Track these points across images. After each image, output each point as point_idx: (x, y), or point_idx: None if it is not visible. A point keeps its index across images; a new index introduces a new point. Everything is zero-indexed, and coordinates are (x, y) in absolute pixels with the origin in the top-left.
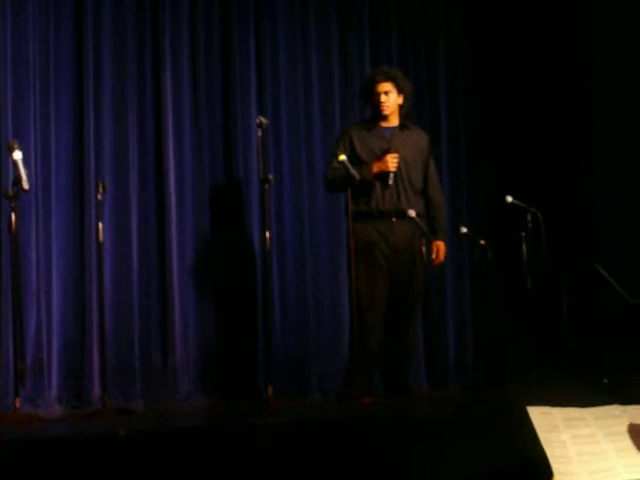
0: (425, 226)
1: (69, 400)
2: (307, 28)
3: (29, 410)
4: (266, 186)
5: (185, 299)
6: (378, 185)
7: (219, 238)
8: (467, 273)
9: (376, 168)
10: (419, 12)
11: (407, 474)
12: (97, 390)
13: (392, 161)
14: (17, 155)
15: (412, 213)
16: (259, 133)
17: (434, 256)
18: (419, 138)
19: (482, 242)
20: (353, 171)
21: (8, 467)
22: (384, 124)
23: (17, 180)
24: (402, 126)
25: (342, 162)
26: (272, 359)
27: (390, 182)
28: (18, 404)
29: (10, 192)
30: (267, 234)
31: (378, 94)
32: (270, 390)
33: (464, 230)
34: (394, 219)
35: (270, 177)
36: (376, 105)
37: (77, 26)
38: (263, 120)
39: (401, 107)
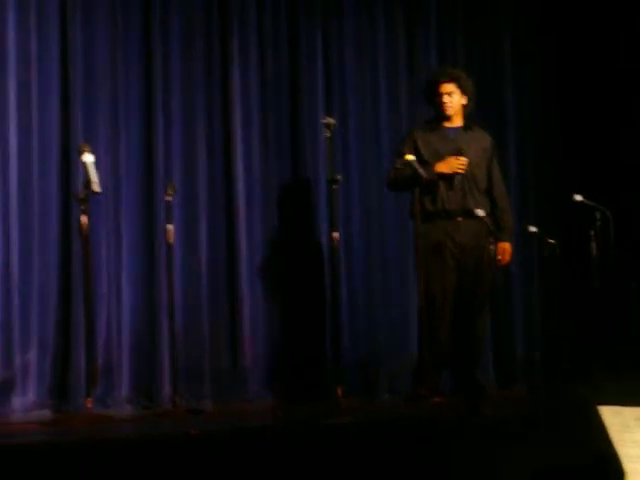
0: (493, 225)
1: (139, 400)
2: (374, 28)
3: (100, 410)
4: (334, 187)
5: (254, 300)
6: (443, 185)
7: (287, 239)
8: (535, 272)
9: (440, 169)
10: (485, 10)
11: (477, 474)
12: (167, 390)
13: (458, 165)
14: (88, 158)
15: (480, 212)
16: (327, 134)
17: (499, 257)
18: (483, 138)
19: (550, 241)
20: (421, 171)
21: (80, 467)
22: (448, 124)
23: (88, 183)
24: (466, 126)
25: (410, 162)
26: (341, 359)
27: (455, 183)
28: (90, 404)
29: (81, 195)
30: (335, 235)
31: (441, 95)
32: (340, 391)
33: (532, 229)
34: (460, 219)
35: (338, 177)
36: (439, 106)
37: (145, 28)
38: (331, 120)
39: (465, 107)
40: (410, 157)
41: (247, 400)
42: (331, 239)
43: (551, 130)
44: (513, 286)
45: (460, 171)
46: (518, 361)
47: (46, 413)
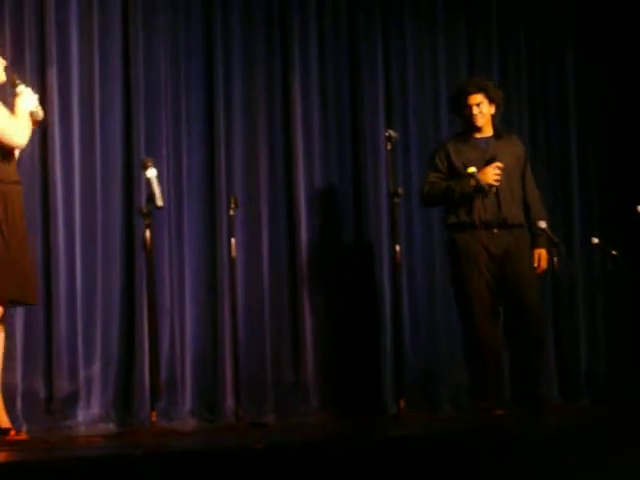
0: (555, 236)
1: (202, 414)
2: (435, 40)
3: (163, 424)
4: (396, 200)
5: (315, 314)
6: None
7: (349, 253)
8: (599, 284)
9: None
10: (548, 20)
11: None
12: (230, 404)
13: (494, 173)
14: (151, 173)
15: (542, 224)
16: (388, 146)
17: (536, 264)
18: (515, 146)
19: (614, 253)
20: (483, 182)
21: None
22: (478, 135)
23: (151, 197)
24: (497, 135)
25: (472, 174)
26: (402, 372)
27: (491, 190)
28: (154, 418)
29: (144, 209)
30: (397, 248)
31: (470, 106)
32: (401, 404)
33: (595, 241)
34: (496, 230)
35: (400, 191)
36: (469, 117)
37: (207, 41)
38: (392, 133)
39: (494, 117)
40: (472, 169)
41: (309, 414)
42: (393, 252)
43: (615, 141)
44: (577, 298)
45: (498, 179)
46: (582, 375)
47: (110, 426)
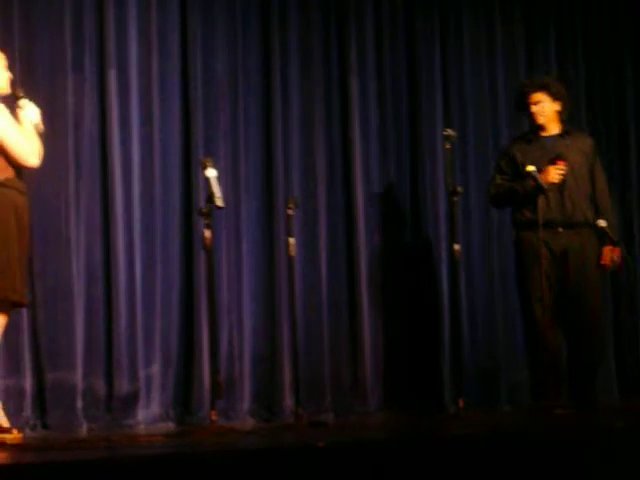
0: (615, 235)
1: (261, 413)
2: (492, 38)
3: (222, 423)
4: (454, 198)
5: (374, 313)
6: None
7: (407, 252)
8: None
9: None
10: (605, 23)
11: None
12: (288, 403)
13: (557, 172)
14: (211, 173)
15: (602, 223)
16: (447, 145)
17: (604, 261)
18: (583, 143)
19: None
20: (542, 181)
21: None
22: (544, 134)
23: (211, 197)
24: (563, 133)
25: (530, 173)
26: (461, 371)
27: (551, 189)
28: (214, 417)
29: (204, 209)
30: (456, 247)
31: (530, 105)
32: (461, 403)
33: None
34: (560, 229)
35: (459, 189)
36: (531, 116)
37: (264, 42)
38: (451, 132)
39: (560, 113)
40: (531, 168)
41: (367, 413)
42: (452, 251)
43: None
44: (636, 298)
45: (560, 177)
46: None
47: (169, 425)
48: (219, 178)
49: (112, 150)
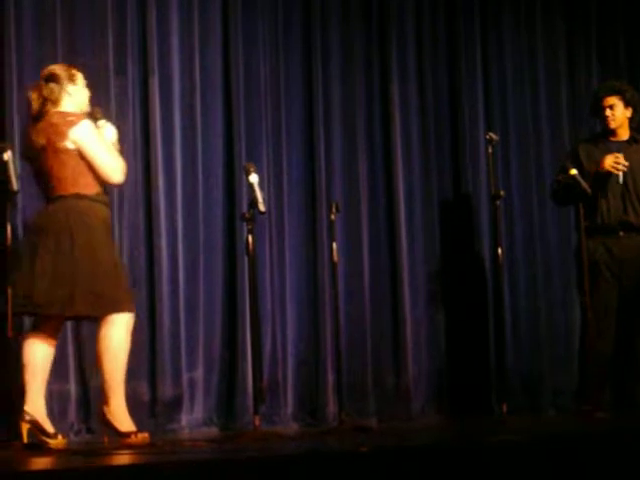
0: None
1: (304, 418)
2: (533, 41)
3: (266, 428)
4: (497, 202)
5: (417, 317)
6: (604, 199)
7: (449, 255)
8: None
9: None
10: None
11: None
12: (332, 408)
13: (614, 161)
14: (253, 178)
15: None
16: (489, 149)
17: None
18: None
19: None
20: (585, 185)
21: None
22: (612, 138)
23: (253, 202)
24: (631, 139)
25: (573, 176)
26: (505, 376)
27: (609, 188)
28: (257, 422)
29: (247, 214)
30: (499, 251)
31: (604, 108)
32: (504, 407)
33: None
34: (621, 233)
35: (501, 193)
36: (603, 120)
37: (306, 51)
38: (493, 136)
39: (630, 120)
40: (574, 171)
41: (411, 418)
42: (495, 255)
43: None
44: None
45: (616, 167)
46: None
47: (213, 430)
48: (261, 183)
49: (155, 158)
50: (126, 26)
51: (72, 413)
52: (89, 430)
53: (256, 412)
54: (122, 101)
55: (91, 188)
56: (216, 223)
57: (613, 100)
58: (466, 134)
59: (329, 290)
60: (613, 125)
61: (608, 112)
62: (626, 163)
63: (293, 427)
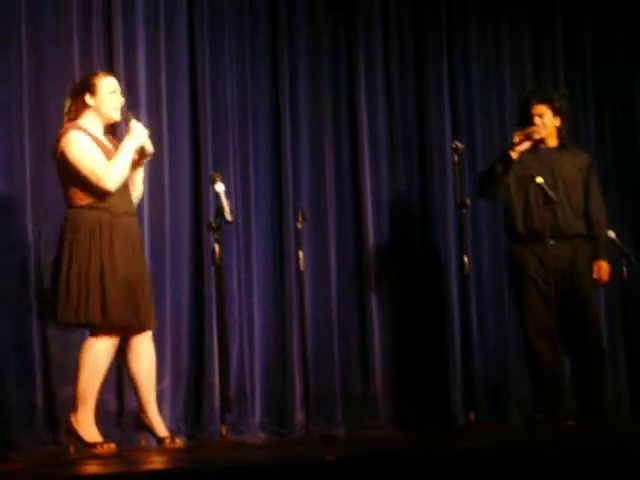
0: (624, 246)
1: (271, 427)
2: (500, 51)
3: (233, 437)
4: (463, 210)
5: (384, 326)
6: (534, 205)
7: (417, 264)
8: None
9: (517, 137)
10: (613, 30)
11: None
12: (299, 417)
13: (529, 130)
14: (220, 187)
15: (612, 234)
16: (455, 158)
17: (596, 276)
18: (579, 158)
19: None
20: (551, 193)
21: None
22: (542, 146)
23: (220, 212)
24: (561, 146)
25: (539, 185)
26: (472, 385)
27: (551, 195)
28: (224, 431)
29: (213, 224)
30: (465, 259)
31: (532, 117)
32: (471, 416)
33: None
34: (552, 241)
35: (467, 201)
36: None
37: (272, 59)
38: (459, 145)
39: (559, 128)
40: (539, 179)
41: (379, 426)
42: (461, 263)
43: None
44: None
45: (535, 132)
46: None
47: (181, 440)
48: (228, 192)
49: None
50: (92, 33)
51: (39, 424)
52: (55, 441)
53: (223, 421)
54: None
55: (81, 199)
56: (183, 232)
57: (542, 109)
58: (433, 142)
59: (296, 299)
60: (543, 134)
61: (537, 120)
62: (535, 129)
63: (260, 436)
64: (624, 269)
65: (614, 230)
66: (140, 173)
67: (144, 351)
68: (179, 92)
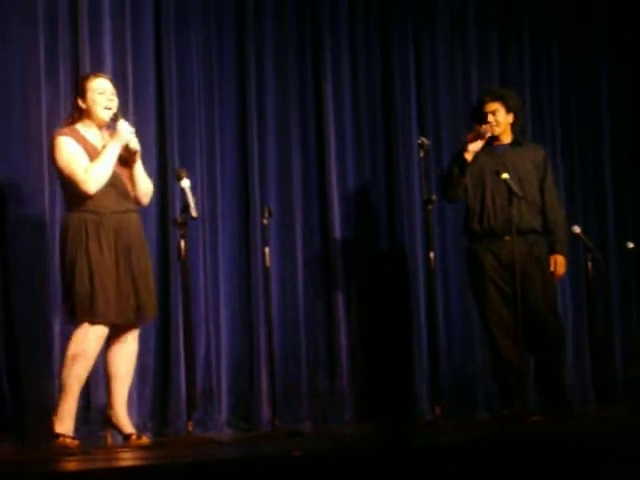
0: (589, 242)
1: (238, 423)
2: (467, 48)
3: (200, 434)
4: (429, 207)
5: (351, 322)
6: (490, 202)
7: (383, 260)
8: (634, 288)
9: (470, 141)
10: (579, 32)
11: None
12: (266, 413)
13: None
14: (185, 183)
15: (576, 229)
16: (421, 154)
17: (552, 269)
18: (534, 153)
19: None
20: (515, 188)
21: None
22: (496, 143)
23: (185, 207)
24: (514, 143)
25: (505, 180)
26: (439, 379)
27: (516, 191)
28: (190, 428)
29: (179, 219)
30: (431, 255)
31: (486, 114)
32: (438, 410)
33: (630, 245)
34: (507, 237)
35: (433, 198)
36: (485, 124)
37: (239, 54)
38: (425, 141)
39: (512, 125)
40: (505, 175)
41: (345, 421)
42: (427, 259)
43: None
44: (611, 304)
45: (486, 130)
46: (618, 380)
47: (147, 437)
48: (194, 188)
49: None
50: (57, 30)
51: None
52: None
53: (189, 418)
54: (54, 105)
55: (72, 203)
56: (148, 228)
57: (495, 106)
58: (399, 138)
59: (263, 295)
60: (496, 131)
61: (490, 117)
62: (486, 127)
63: (227, 432)
64: (589, 264)
65: (579, 225)
66: (138, 170)
67: (128, 347)
68: (145, 88)
